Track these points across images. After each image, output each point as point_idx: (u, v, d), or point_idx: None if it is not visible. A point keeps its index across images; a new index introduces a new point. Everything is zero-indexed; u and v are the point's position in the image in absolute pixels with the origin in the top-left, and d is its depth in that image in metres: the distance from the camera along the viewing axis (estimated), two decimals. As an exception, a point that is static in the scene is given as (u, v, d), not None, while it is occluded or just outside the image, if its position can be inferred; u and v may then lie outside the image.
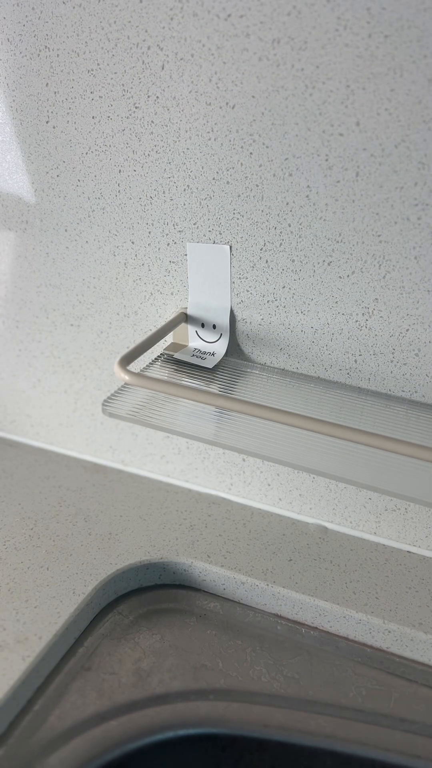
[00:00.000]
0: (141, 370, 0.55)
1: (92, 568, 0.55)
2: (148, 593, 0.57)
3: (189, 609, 0.55)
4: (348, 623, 0.52)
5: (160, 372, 0.56)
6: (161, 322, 0.59)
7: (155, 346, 0.55)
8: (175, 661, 0.50)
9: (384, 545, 0.61)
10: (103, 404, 0.50)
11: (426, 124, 0.43)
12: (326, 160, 0.47)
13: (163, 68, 0.48)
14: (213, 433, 0.52)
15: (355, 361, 0.54)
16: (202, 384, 0.54)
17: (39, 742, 0.43)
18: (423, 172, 0.45)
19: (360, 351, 0.54)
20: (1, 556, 0.56)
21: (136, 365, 0.58)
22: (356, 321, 0.52)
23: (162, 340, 0.59)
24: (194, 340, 0.58)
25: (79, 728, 0.45)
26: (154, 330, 0.53)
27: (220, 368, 0.57)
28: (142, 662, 0.50)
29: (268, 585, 0.54)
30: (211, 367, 0.56)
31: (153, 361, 0.57)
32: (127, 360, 0.48)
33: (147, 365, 0.56)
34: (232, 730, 0.46)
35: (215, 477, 0.66)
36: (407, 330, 0.51)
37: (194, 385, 0.54)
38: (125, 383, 0.49)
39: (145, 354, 0.55)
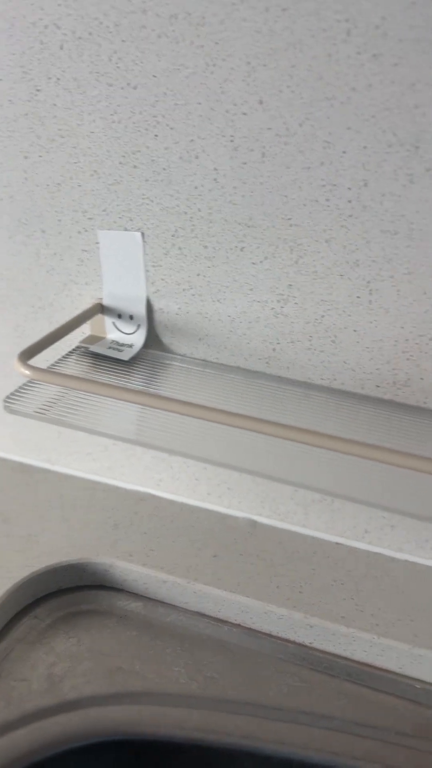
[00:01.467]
0: (53, 364, 0.53)
1: (6, 571, 0.53)
2: (68, 595, 0.55)
3: (109, 610, 0.54)
4: (270, 619, 0.51)
5: (76, 366, 0.54)
6: (77, 314, 0.57)
7: (74, 338, 0.53)
8: (90, 664, 0.48)
9: (313, 537, 0.59)
10: (4, 401, 0.48)
11: (329, 101, 0.42)
12: (231, 141, 0.45)
13: (62, 48, 0.46)
14: (128, 429, 0.50)
15: (274, 349, 0.53)
16: (117, 378, 0.52)
17: None
18: (329, 151, 0.43)
19: (278, 339, 0.52)
20: None
21: (52, 358, 0.56)
22: (272, 308, 0.51)
23: (81, 333, 0.57)
24: (112, 331, 0.56)
25: (-17, 740, 0.43)
26: (61, 323, 0.51)
27: (139, 360, 0.55)
28: (55, 667, 0.48)
29: (189, 583, 0.53)
30: (127, 359, 0.54)
31: (68, 354, 0.55)
32: (28, 354, 0.46)
33: (61, 358, 0.54)
34: (147, 735, 0.45)
35: (143, 473, 0.64)
36: (322, 316, 0.50)
37: (107, 379, 0.52)
38: (30, 379, 0.47)
39: (61, 347, 0.53)
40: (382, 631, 0.49)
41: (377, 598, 0.52)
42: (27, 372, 0.44)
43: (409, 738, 0.44)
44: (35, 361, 0.46)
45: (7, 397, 0.48)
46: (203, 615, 0.53)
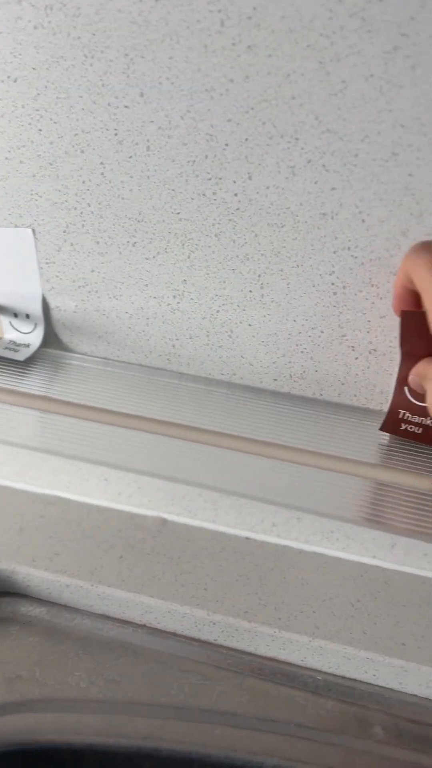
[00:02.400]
0: None
1: None
2: (-31, 604, 0.53)
3: (12, 617, 0.52)
4: (174, 618, 0.51)
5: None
6: (-28, 314, 0.56)
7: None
8: (-13, 674, 0.47)
9: (222, 533, 0.59)
10: None
11: (208, 92, 0.41)
12: (116, 134, 0.45)
13: None
14: (23, 434, 0.49)
15: (173, 346, 0.52)
16: (12, 380, 0.51)
17: None
18: (212, 144, 0.43)
19: (176, 335, 0.52)
20: None
21: None
22: (168, 304, 0.50)
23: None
24: (9, 331, 0.55)
25: None
26: None
27: (38, 360, 0.54)
28: None
29: (93, 585, 0.52)
30: (22, 359, 0.53)
31: (-38, 356, 0.54)
32: None
33: None
34: (43, 743, 0.43)
35: (52, 476, 0.63)
36: (218, 311, 0.49)
37: (2, 382, 0.51)
38: None
39: None
40: (284, 624, 0.49)
41: (281, 591, 0.52)
42: None
43: (308, 730, 0.44)
44: None
45: None
46: (108, 617, 0.52)
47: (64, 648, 0.50)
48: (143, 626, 0.52)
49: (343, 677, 0.49)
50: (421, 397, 0.46)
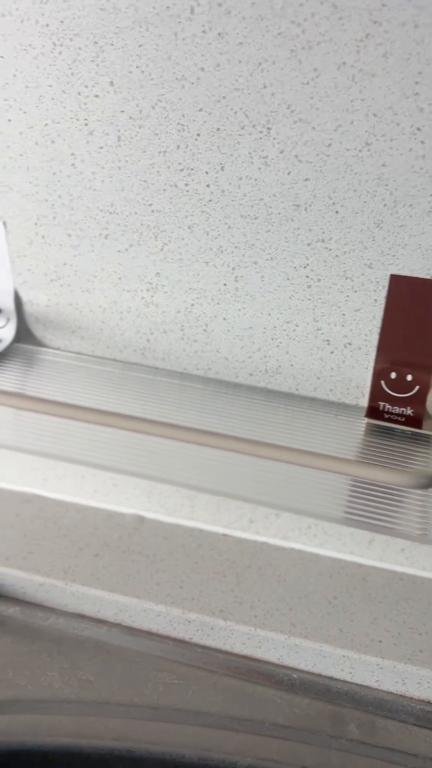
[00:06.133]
0: None
1: None
2: None
3: (-15, 617, 0.51)
4: (149, 616, 0.50)
5: None
6: None
7: None
8: (-42, 675, 0.46)
9: (200, 530, 0.58)
10: None
11: (179, 81, 0.41)
12: (86, 124, 0.44)
13: None
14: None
15: (148, 340, 0.52)
16: (-17, 374, 0.50)
17: None
18: (184, 134, 0.42)
19: (151, 330, 0.51)
20: None
21: None
22: (142, 298, 0.50)
23: None
24: (-19, 326, 0.54)
25: None
26: None
27: (11, 356, 0.53)
28: None
29: (66, 584, 0.51)
30: (-6, 354, 0.52)
31: None
32: None
33: None
34: (14, 745, 0.43)
35: (28, 473, 0.62)
36: (192, 305, 0.49)
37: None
38: None
39: None
40: (260, 622, 0.48)
41: (258, 589, 0.51)
42: None
43: (283, 729, 0.44)
44: None
45: None
46: (82, 616, 0.52)
47: (37, 648, 0.49)
48: (118, 625, 0.51)
49: (319, 675, 0.48)
50: (401, 388, 0.46)
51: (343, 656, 0.47)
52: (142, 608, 0.50)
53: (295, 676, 0.48)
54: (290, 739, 0.43)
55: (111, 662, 0.48)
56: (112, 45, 0.41)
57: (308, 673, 0.48)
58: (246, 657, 0.49)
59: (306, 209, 0.43)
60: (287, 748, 0.42)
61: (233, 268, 0.46)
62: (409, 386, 0.46)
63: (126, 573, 0.52)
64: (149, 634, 0.50)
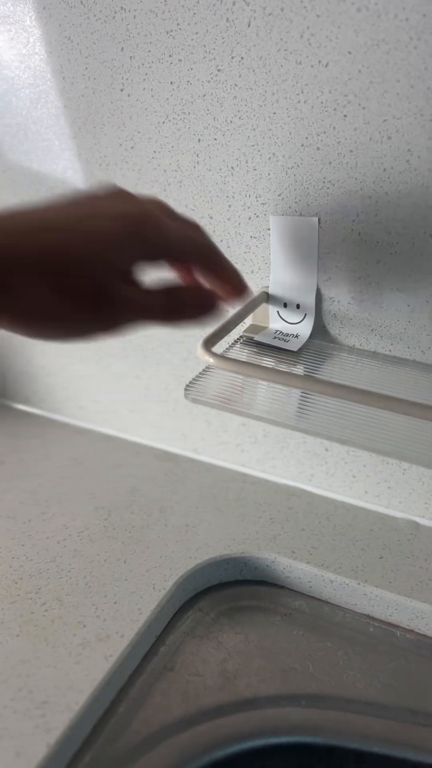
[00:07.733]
0: (221, 354, 0.52)
1: (171, 561, 0.52)
2: (229, 589, 0.54)
3: (273, 607, 0.52)
4: (449, 627, 0.48)
5: (241, 355, 0.52)
6: (245, 302, 0.56)
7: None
8: (262, 662, 0.47)
9: None
10: (185, 389, 0.47)
11: None
12: (431, 120, 0.43)
13: (249, 25, 0.44)
14: (300, 419, 0.48)
15: (456, 342, 0.50)
16: (286, 368, 0.51)
17: (125, 746, 0.41)
18: None
19: (463, 330, 0.49)
20: (78, 548, 0.53)
21: (216, 349, 0.55)
22: (459, 298, 0.48)
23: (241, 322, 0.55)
24: (275, 321, 0.55)
25: (165, 733, 0.42)
26: (234, 311, 0.50)
27: (305, 351, 0.53)
28: (227, 663, 0.47)
29: (359, 584, 0.50)
30: (296, 349, 0.52)
31: (232, 344, 0.54)
32: (211, 341, 0.45)
33: (226, 349, 0.53)
34: (328, 740, 0.43)
35: (294, 467, 0.63)
36: None
37: (280, 368, 0.50)
38: (208, 366, 0.46)
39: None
40: None
41: None
42: (211, 360, 0.43)
43: None
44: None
45: (187, 386, 0.47)
46: (373, 618, 0.51)
47: (332, 645, 0.49)
48: (411, 631, 0.50)
49: None
50: None
51: None
52: (442, 618, 0.48)
53: None
54: None
55: (410, 669, 0.47)
56: None
57: None
58: None
59: None
60: None
61: None
62: None
63: (416, 579, 0.51)
64: (448, 646, 0.49)
